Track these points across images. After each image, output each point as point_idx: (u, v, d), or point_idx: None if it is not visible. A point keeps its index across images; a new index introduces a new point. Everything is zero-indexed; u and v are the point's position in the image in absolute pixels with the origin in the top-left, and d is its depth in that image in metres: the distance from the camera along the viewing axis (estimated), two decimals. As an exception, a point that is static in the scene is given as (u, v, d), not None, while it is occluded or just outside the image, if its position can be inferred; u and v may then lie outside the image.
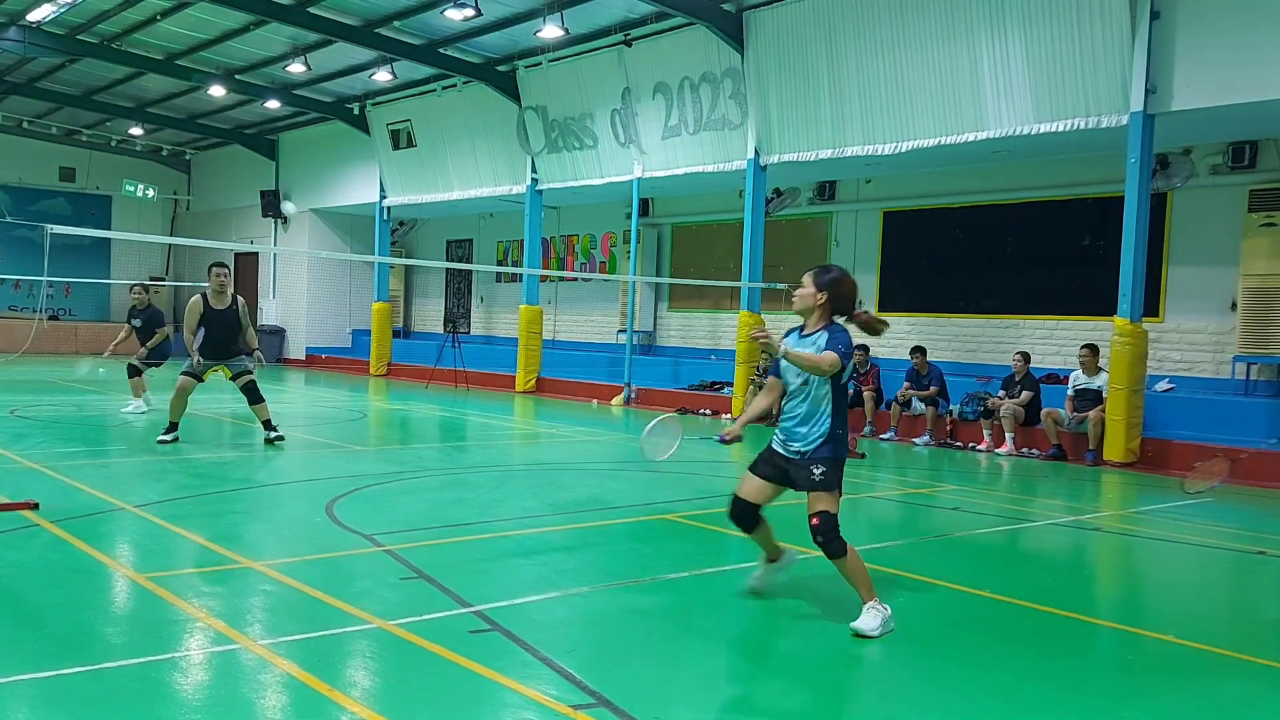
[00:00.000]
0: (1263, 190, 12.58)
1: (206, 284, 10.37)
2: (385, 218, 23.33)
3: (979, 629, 4.99)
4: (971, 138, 12.87)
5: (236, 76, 21.00)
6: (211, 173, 29.43)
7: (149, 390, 13.04)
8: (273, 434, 10.41)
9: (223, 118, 25.26)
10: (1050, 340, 14.62)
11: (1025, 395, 12.52)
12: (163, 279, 28.62)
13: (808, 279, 4.97)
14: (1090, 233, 14.25)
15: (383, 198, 22.97)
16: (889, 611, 4.68)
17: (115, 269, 28.79)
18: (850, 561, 4.75)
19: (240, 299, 10.44)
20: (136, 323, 13.09)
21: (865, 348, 14.48)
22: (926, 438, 13.23)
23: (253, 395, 10.40)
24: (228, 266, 10.48)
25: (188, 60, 20.18)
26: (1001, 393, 12.78)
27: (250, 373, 10.40)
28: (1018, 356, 12.82)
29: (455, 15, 15.76)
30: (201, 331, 10.15)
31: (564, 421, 14.59)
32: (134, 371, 13.01)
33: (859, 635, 4.57)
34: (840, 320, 4.96)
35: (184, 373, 10.17)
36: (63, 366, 20.99)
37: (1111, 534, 7.86)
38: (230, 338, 10.30)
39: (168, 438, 10.01)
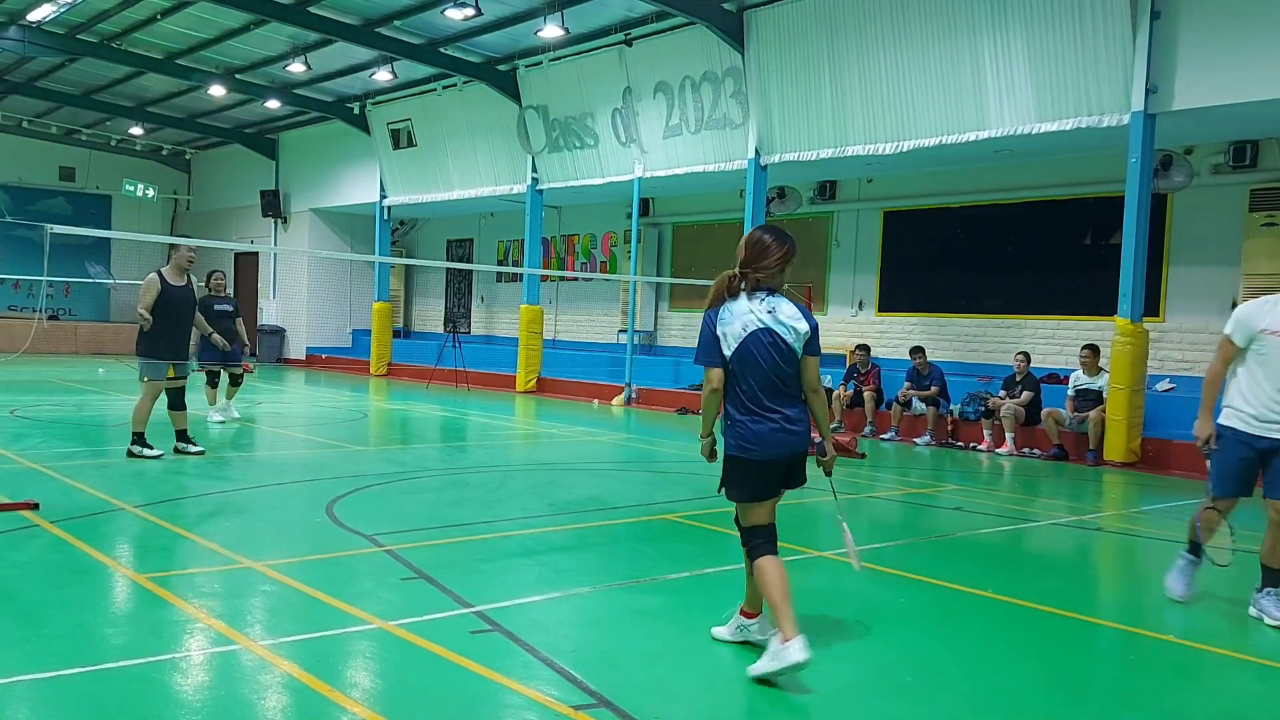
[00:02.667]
0: (1264, 190, 12.57)
1: (202, 283, 9.92)
2: (385, 217, 23.32)
3: (980, 629, 4.98)
4: (973, 137, 12.86)
5: (236, 76, 20.99)
6: (211, 172, 29.42)
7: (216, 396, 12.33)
8: (191, 448, 9.35)
9: (223, 117, 25.25)
10: (1052, 340, 14.61)
11: (1026, 395, 12.51)
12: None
13: None
14: (1091, 233, 14.24)
15: (383, 197, 22.95)
16: (771, 643, 4.07)
17: (115, 269, 28.78)
18: (757, 574, 4.22)
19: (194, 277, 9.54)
20: (223, 307, 12.18)
21: (866, 347, 14.47)
22: (927, 438, 13.22)
23: (177, 400, 9.35)
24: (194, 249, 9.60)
25: (188, 60, 20.17)
26: (1002, 392, 12.77)
27: (184, 379, 9.42)
28: (1019, 356, 12.82)
29: (455, 15, 15.74)
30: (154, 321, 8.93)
31: (565, 421, 14.58)
32: (214, 378, 12.27)
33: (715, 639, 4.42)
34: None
35: (152, 380, 9.01)
36: (63, 366, 21.00)
37: (1113, 534, 7.85)
38: (187, 322, 9.32)
39: (152, 453, 8.99)
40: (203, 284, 11.53)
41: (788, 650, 3.94)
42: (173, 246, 9.59)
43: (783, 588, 4.11)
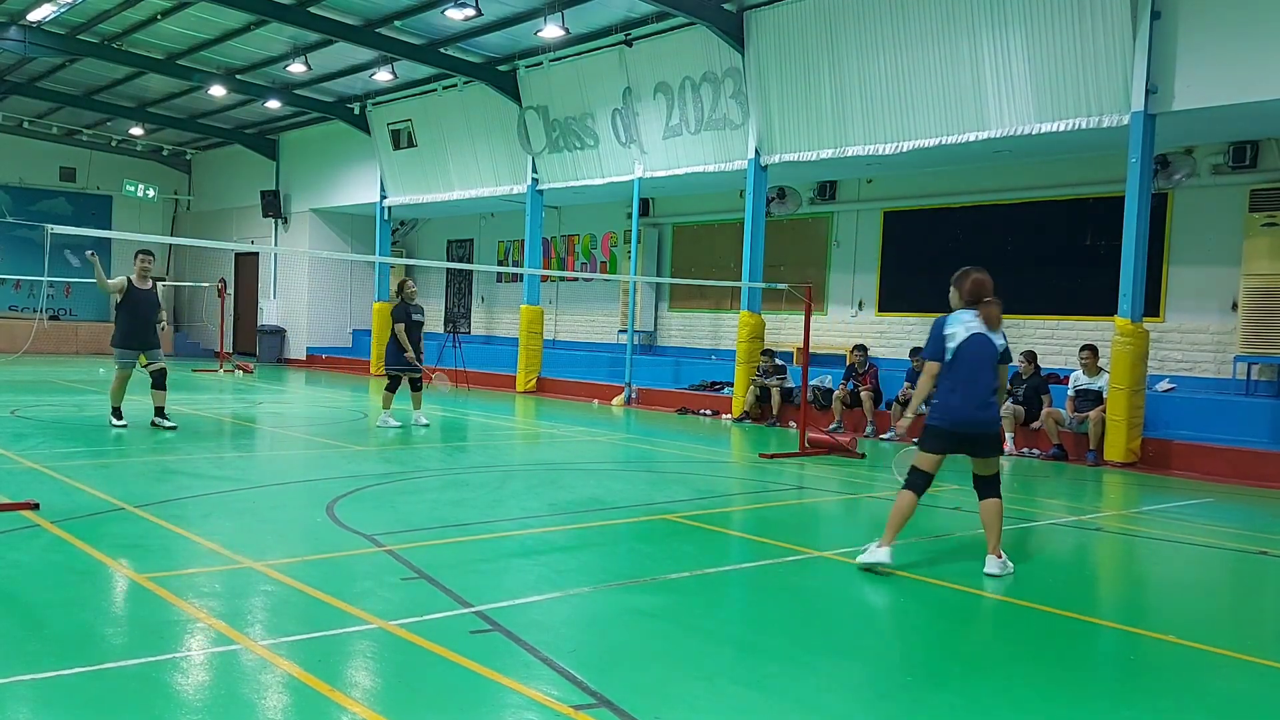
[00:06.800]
0: (1264, 190, 12.56)
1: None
2: (386, 218, 23.33)
3: (980, 629, 4.98)
4: (972, 138, 12.86)
5: (237, 76, 21.00)
6: (212, 173, 29.43)
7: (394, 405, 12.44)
8: (165, 423, 10.99)
9: (223, 118, 25.26)
10: (1051, 340, 14.61)
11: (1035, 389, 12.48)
12: (163, 279, 28.64)
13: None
14: (1091, 233, 14.24)
15: (383, 197, 22.96)
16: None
17: (116, 269, 28.76)
18: (896, 499, 5.98)
19: (159, 283, 11.48)
20: (419, 317, 12.26)
21: (863, 348, 14.46)
22: (927, 437, 13.18)
23: (159, 381, 11.16)
24: (153, 254, 11.47)
25: (188, 60, 20.18)
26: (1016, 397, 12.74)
27: (163, 364, 11.25)
28: (1022, 358, 12.74)
29: (456, 15, 15.75)
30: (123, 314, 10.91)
31: (565, 421, 14.59)
32: (395, 384, 12.34)
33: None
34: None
35: (122, 367, 10.98)
36: (63, 366, 21.00)
37: (1113, 534, 7.85)
38: (151, 319, 11.16)
39: (120, 423, 10.95)
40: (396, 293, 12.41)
41: (877, 551, 5.74)
42: (143, 253, 11.40)
43: (899, 513, 5.87)
